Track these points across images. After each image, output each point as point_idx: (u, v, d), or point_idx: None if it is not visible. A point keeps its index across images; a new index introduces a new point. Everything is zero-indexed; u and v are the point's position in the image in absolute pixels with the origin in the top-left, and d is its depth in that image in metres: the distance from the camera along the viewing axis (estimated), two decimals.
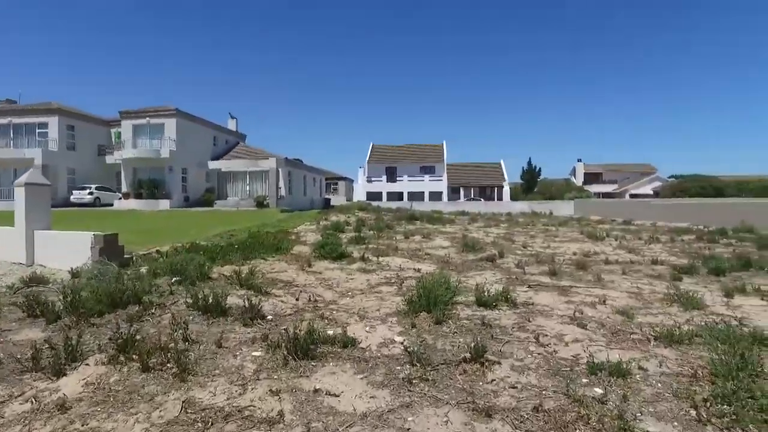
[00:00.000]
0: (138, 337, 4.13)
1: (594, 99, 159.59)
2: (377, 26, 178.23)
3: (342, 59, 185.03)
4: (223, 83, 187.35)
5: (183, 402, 3.12)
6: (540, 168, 69.37)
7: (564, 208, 45.73)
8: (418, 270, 8.99)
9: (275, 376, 3.60)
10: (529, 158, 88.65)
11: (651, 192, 65.36)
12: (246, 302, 5.30)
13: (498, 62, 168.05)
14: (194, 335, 4.48)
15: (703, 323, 5.27)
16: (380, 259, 10.42)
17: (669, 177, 71.66)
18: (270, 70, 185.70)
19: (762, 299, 6.94)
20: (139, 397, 3.19)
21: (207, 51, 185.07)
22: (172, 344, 3.97)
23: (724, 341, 4.41)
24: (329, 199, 56.93)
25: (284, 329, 4.41)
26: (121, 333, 3.96)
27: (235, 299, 5.84)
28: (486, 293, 5.95)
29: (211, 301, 5.24)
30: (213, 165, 42.52)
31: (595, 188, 72.94)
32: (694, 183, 58.63)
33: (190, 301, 5.38)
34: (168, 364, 3.64)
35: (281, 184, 42.25)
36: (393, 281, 7.77)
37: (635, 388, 3.40)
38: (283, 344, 4.02)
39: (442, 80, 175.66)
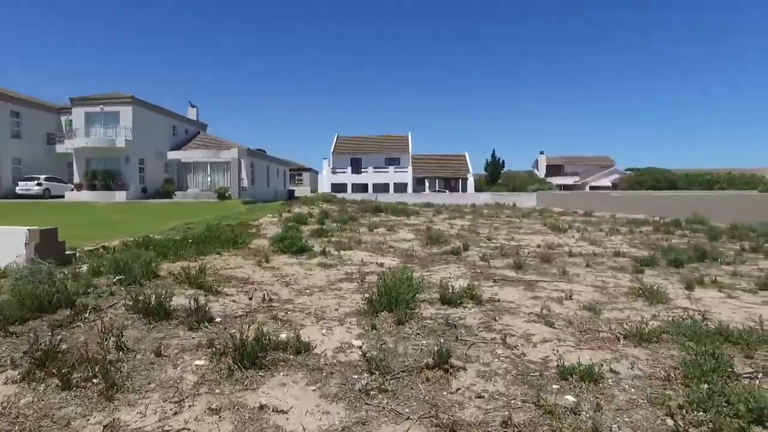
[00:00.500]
0: (63, 347, 3.66)
1: (556, 93, 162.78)
2: (342, 17, 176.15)
3: (306, 50, 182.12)
4: (183, 72, 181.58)
5: (105, 427, 2.71)
6: (503, 160, 70.28)
7: (527, 200, 46.45)
8: (381, 264, 8.69)
9: (217, 390, 3.21)
10: (493, 150, 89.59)
11: (610, 184, 67.16)
12: (192, 303, 4.87)
13: (463, 54, 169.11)
14: (131, 342, 4.03)
15: (669, 319, 5.18)
16: (342, 253, 10.07)
17: (626, 170, 73.76)
18: (233, 60, 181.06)
19: (720, 291, 6.99)
20: (53, 423, 2.76)
21: (166, 35, 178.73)
22: (102, 355, 3.52)
23: (691, 338, 4.30)
24: (293, 191, 56.06)
25: (231, 334, 4.01)
26: (41, 343, 3.48)
27: (182, 300, 5.39)
28: (450, 290, 5.70)
29: (153, 302, 4.78)
30: (172, 155, 41.05)
31: (557, 180, 74.38)
32: (649, 176, 60.55)
33: (130, 303, 4.90)
34: (94, 380, 3.20)
35: (243, 175, 41.24)
36: (354, 277, 7.44)
37: (608, 394, 3.20)
38: (229, 352, 3.63)
39: (407, 72, 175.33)
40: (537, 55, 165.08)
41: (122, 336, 3.89)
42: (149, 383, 3.31)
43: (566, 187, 71.01)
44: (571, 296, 6.10)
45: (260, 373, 3.48)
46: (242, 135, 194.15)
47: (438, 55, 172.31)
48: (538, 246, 12.31)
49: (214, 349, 3.84)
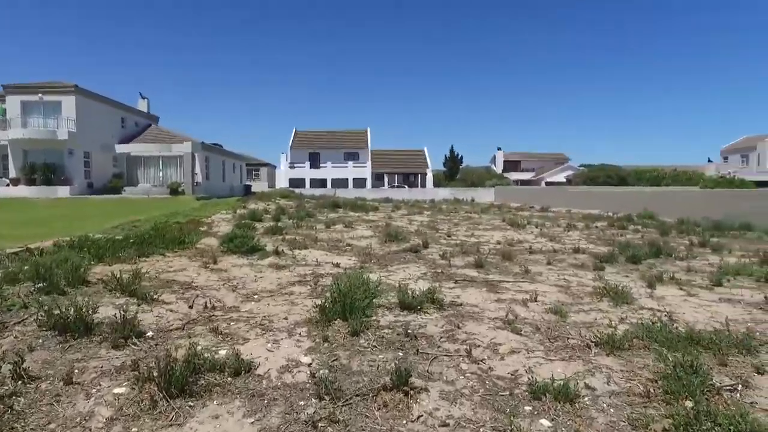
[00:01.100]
0: None
1: (513, 90, 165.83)
2: (301, 13, 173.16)
3: (265, 44, 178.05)
4: (135, 63, 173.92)
5: None
6: (462, 155, 70.82)
7: (485, 195, 46.94)
8: (337, 264, 8.23)
9: (134, 429, 2.68)
10: (452, 146, 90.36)
11: (564, 180, 68.87)
12: (120, 315, 4.26)
13: (421, 51, 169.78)
14: (37, 368, 3.42)
15: (637, 321, 4.98)
16: (296, 252, 9.54)
17: (579, 166, 75.85)
18: (190, 53, 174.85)
19: (680, 289, 6.91)
20: None
21: (115, 27, 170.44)
22: None
23: (663, 343, 4.08)
24: (250, 186, 54.75)
25: (157, 356, 3.45)
26: None
27: (111, 311, 4.77)
28: (410, 294, 5.30)
29: (72, 315, 4.15)
30: (121, 149, 39.14)
31: (514, 176, 75.70)
32: (601, 172, 62.38)
33: (44, 317, 4.24)
34: None
35: (197, 169, 39.82)
36: (308, 279, 6.94)
37: (586, 416, 2.87)
38: (154, 377, 3.09)
39: (365, 66, 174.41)
40: (493, 54, 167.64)
41: (23, 360, 3.27)
42: (49, 423, 2.72)
43: (523, 183, 72.42)
44: (535, 298, 5.82)
45: (189, 403, 2.96)
46: (199, 129, 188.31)
47: (395, 52, 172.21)
48: (498, 243, 12.15)
49: (138, 372, 3.29)
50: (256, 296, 5.90)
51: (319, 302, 4.89)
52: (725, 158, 74.18)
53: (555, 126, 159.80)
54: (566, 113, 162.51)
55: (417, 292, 5.43)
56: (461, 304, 5.51)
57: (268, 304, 5.49)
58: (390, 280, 6.98)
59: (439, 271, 7.83)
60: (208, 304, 5.32)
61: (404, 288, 5.48)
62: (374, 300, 5.26)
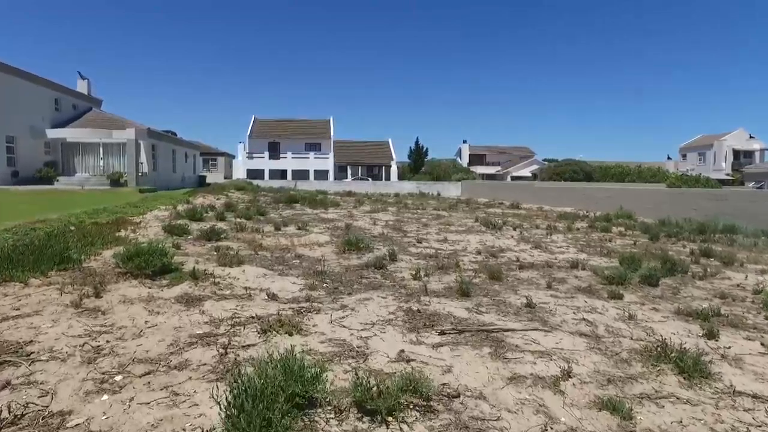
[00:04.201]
0: None
1: (477, 83, 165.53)
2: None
3: (225, 29, 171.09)
4: (78, 45, 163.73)
5: None
6: (427, 148, 69.20)
7: (451, 190, 45.38)
8: (274, 296, 5.93)
9: None
10: (417, 138, 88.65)
11: (530, 174, 68.15)
12: None
13: (385, 41, 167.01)
14: None
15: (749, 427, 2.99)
16: (225, 271, 7.20)
17: (544, 160, 75.49)
18: (150, 38, 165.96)
19: (749, 338, 5.00)
20: None
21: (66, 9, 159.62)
22: None
23: None
24: (204, 177, 51.48)
25: None
26: None
27: None
28: (374, 385, 3.08)
29: None
30: (54, 134, 35.31)
31: (480, 169, 74.59)
32: (567, 167, 61.76)
33: None
34: None
35: (143, 158, 36.37)
36: (221, 331, 4.62)
37: None
38: None
39: (329, 55, 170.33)
40: (459, 47, 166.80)
41: None
42: None
43: (489, 177, 71.48)
44: (569, 374, 3.73)
45: None
46: (154, 117, 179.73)
47: (360, 41, 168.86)
48: (478, 252, 10.16)
49: None
50: (119, 377, 3.54)
51: (224, 393, 2.63)
52: (684, 156, 75.41)
53: (519, 120, 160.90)
54: (529, 108, 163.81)
55: (384, 366, 3.26)
56: (458, 395, 3.33)
57: (130, 401, 3.14)
58: (343, 329, 4.78)
59: (414, 308, 5.65)
60: (14, 409, 2.95)
61: (363, 379, 3.21)
62: (316, 382, 3.06)
